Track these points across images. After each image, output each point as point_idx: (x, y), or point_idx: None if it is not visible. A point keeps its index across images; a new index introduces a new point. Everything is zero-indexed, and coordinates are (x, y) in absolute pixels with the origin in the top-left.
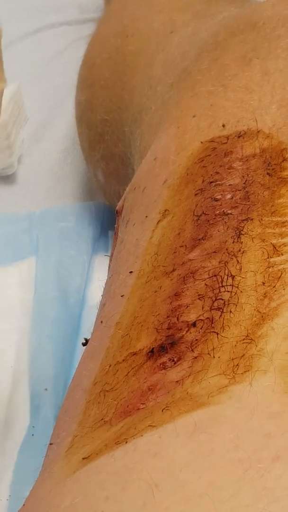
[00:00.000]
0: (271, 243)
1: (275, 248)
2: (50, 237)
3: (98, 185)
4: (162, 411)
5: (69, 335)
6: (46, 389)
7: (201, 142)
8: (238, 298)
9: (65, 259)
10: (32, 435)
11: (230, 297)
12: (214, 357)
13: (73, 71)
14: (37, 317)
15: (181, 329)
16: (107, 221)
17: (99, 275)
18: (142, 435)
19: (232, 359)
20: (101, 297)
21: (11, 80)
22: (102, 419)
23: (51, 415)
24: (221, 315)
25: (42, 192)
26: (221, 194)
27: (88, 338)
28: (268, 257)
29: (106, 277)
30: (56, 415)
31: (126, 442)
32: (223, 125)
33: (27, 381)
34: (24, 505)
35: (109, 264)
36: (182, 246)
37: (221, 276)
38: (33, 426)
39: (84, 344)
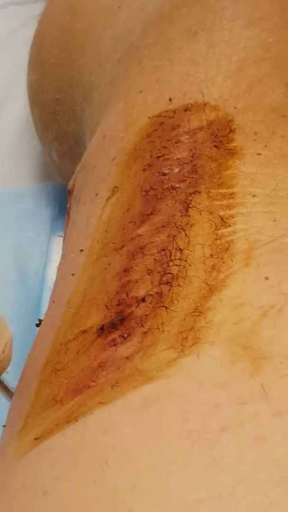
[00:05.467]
0: (219, 215)
1: (222, 220)
2: (7, 219)
3: (54, 165)
4: (112, 387)
5: (29, 317)
6: (7, 372)
7: (149, 117)
8: (186, 271)
9: (23, 241)
10: None
11: (178, 271)
12: (163, 331)
13: (25, 51)
14: None
15: (130, 305)
16: (64, 201)
17: (57, 256)
18: (92, 413)
19: (181, 332)
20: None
21: None
22: (53, 399)
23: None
24: (170, 289)
25: None
26: (169, 168)
27: (41, 319)
28: (215, 229)
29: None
30: None
31: (77, 420)
32: (170, 99)
33: None
34: None
35: (62, 245)
36: (131, 222)
37: (169, 250)
38: None
39: (37, 325)
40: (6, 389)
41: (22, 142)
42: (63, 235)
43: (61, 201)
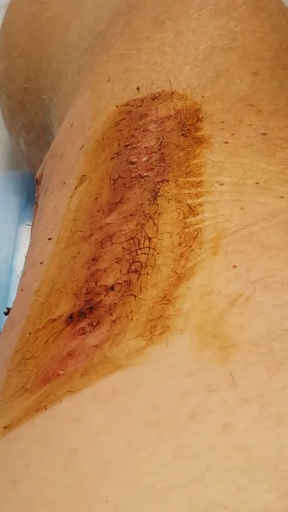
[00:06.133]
0: (187, 203)
1: (190, 208)
2: None
3: (21, 154)
4: (81, 376)
5: None
6: None
7: (116, 106)
8: (155, 259)
9: None
10: None
11: (147, 259)
12: (132, 319)
13: None
14: None
15: (99, 293)
16: (32, 190)
17: (26, 244)
18: (61, 401)
19: (150, 321)
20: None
21: None
22: (22, 387)
23: None
24: (138, 278)
25: None
26: (137, 157)
27: (10, 308)
28: (184, 218)
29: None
30: None
31: (46, 409)
32: (138, 88)
33: None
34: None
35: (30, 233)
36: (99, 211)
37: (138, 239)
38: None
39: (6, 314)
40: None
41: None
42: (31, 224)
43: (29, 190)
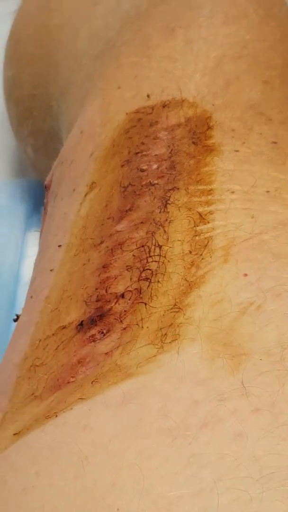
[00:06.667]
0: (197, 211)
1: (201, 216)
2: None
3: (29, 161)
4: (92, 383)
5: (4, 312)
6: None
7: (127, 113)
8: (165, 267)
9: None
10: None
11: (157, 267)
12: (142, 327)
13: (0, 47)
14: None
15: (109, 300)
16: (39, 197)
17: (33, 251)
18: (72, 408)
19: (160, 329)
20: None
21: None
22: (32, 394)
23: None
24: (149, 285)
25: None
26: (147, 165)
27: (19, 314)
28: (194, 226)
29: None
30: None
31: (56, 416)
32: (148, 96)
33: None
34: None
35: (39, 240)
36: (109, 218)
37: (148, 247)
38: None
39: (15, 320)
40: None
41: None
42: (39, 230)
43: (36, 197)
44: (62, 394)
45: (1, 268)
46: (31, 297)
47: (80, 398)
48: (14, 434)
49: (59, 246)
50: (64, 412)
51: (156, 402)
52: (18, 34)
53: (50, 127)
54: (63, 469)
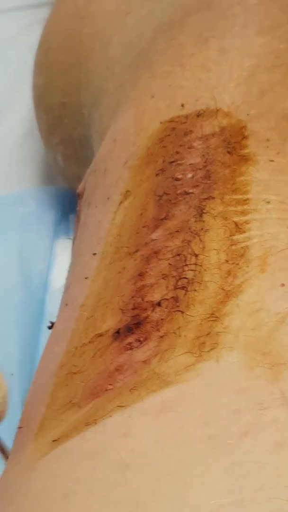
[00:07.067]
0: (233, 221)
1: (237, 225)
2: (10, 222)
3: (58, 169)
4: (130, 391)
5: (33, 320)
6: (12, 374)
7: (161, 122)
8: (202, 276)
9: (27, 244)
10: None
11: (194, 275)
12: (180, 335)
13: (28, 55)
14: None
15: (146, 309)
16: (67, 205)
17: (61, 259)
18: (111, 416)
19: (198, 337)
20: (65, 280)
21: None
22: (70, 401)
23: (18, 399)
24: (185, 294)
25: (2, 177)
26: (182, 174)
27: (53, 322)
28: (230, 235)
29: (70, 261)
30: (24, 399)
31: (96, 423)
32: (182, 105)
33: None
34: None
35: (72, 248)
36: (144, 227)
37: (184, 255)
38: None
39: (50, 327)
40: (2, 450)
41: (25, 146)
42: (68, 238)
43: (64, 205)
44: (100, 402)
45: (30, 275)
46: (66, 304)
47: (119, 406)
48: (53, 441)
49: (94, 254)
50: (103, 419)
51: (196, 410)
52: (49, 42)
53: (81, 135)
54: (104, 476)
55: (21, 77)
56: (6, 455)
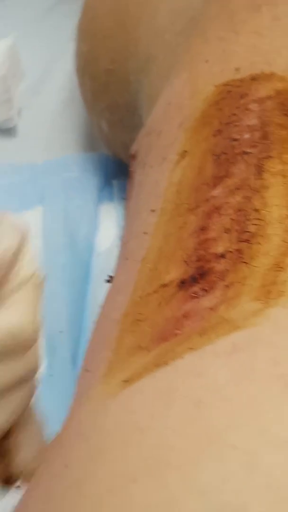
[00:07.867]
0: None
1: None
2: (55, 187)
3: (102, 136)
4: (200, 335)
5: (80, 280)
6: (61, 332)
7: (215, 86)
8: (265, 230)
9: (72, 209)
10: (51, 375)
11: (257, 229)
12: (245, 284)
13: (68, 24)
14: (47, 263)
15: (210, 260)
16: (110, 171)
17: (105, 224)
18: (182, 357)
19: (264, 286)
20: (110, 244)
21: (6, 35)
22: (138, 346)
23: (68, 354)
24: (249, 246)
25: (44, 144)
26: (239, 134)
27: (112, 275)
28: None
29: (112, 226)
30: (73, 355)
31: (167, 364)
32: (237, 69)
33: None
34: (62, 431)
35: (126, 206)
36: (204, 184)
37: (246, 211)
38: (51, 367)
39: (108, 281)
40: None
41: (66, 113)
42: (124, 198)
43: (107, 171)
44: (170, 345)
45: (76, 238)
46: (127, 258)
47: (189, 348)
48: (124, 381)
49: (152, 210)
50: (174, 360)
51: (267, 352)
52: (94, 10)
53: (127, 101)
54: (178, 412)
55: (60, 46)
56: None
